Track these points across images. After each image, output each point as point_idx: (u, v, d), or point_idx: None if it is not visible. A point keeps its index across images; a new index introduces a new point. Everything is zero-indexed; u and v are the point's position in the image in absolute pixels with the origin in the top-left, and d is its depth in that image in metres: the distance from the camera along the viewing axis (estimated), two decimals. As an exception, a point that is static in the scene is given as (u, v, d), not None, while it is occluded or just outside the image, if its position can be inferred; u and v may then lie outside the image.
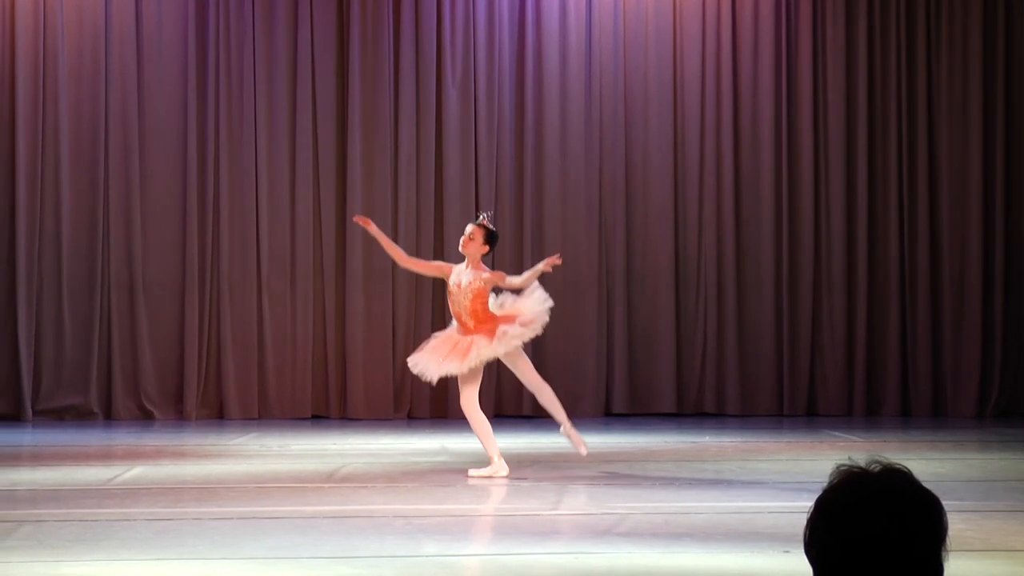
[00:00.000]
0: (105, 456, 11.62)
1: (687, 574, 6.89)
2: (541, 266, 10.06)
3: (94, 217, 13.81)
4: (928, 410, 14.39)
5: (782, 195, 14.40)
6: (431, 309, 14.09)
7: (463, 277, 9.92)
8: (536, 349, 14.10)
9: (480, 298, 9.89)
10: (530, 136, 14.22)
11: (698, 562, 7.13)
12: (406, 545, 7.59)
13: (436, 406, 14.03)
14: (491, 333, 9.86)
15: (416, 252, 14.05)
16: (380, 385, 14.03)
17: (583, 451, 10.11)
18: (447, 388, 13.92)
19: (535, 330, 9.98)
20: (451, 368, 9.87)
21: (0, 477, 10.18)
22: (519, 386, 14.13)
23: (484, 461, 10.12)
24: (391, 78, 14.05)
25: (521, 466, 10.57)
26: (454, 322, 10.00)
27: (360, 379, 13.91)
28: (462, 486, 9.65)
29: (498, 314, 9.94)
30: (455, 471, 10.35)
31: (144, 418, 13.77)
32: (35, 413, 13.70)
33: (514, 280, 10.09)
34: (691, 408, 14.30)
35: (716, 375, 14.35)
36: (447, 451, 11.63)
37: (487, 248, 10.01)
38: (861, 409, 14.36)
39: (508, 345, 9.87)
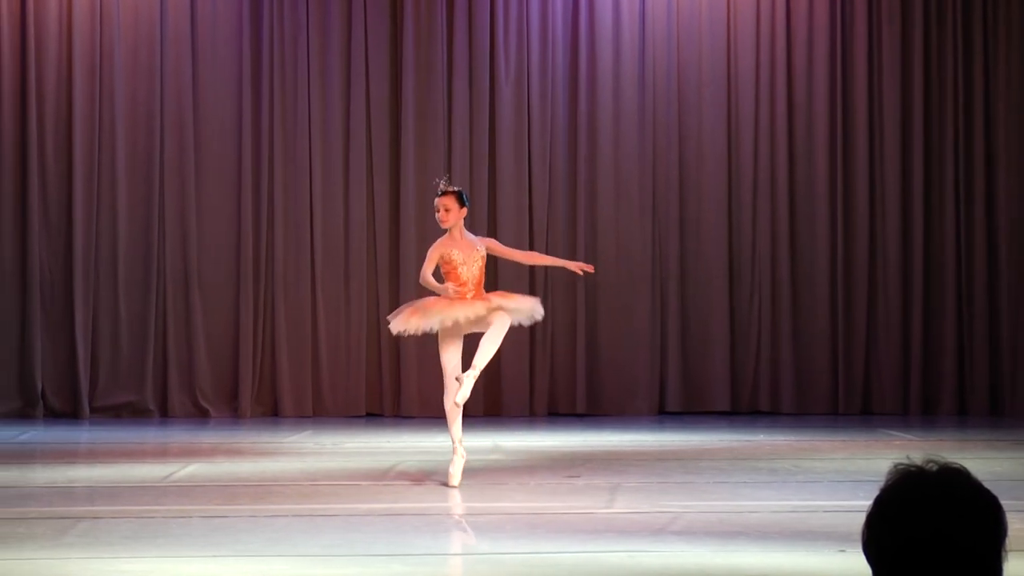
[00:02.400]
0: (161, 453, 11.70)
1: (741, 573, 6.87)
2: (571, 264, 9.89)
3: (150, 215, 13.87)
4: (985, 409, 14.29)
5: (836, 192, 14.32)
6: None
7: (464, 247, 9.54)
8: (589, 347, 14.12)
9: (483, 265, 9.63)
10: (583, 134, 14.20)
11: (752, 561, 7.12)
12: (459, 543, 7.64)
13: (489, 404, 14.01)
14: (500, 295, 9.67)
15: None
16: (434, 383, 13.90)
17: (459, 399, 9.55)
18: (500, 386, 13.99)
19: (531, 316, 9.66)
20: (465, 311, 9.37)
21: (58, 474, 10.23)
22: (572, 384, 14.16)
23: (526, 460, 10.08)
24: (444, 76, 14.05)
25: (574, 464, 10.54)
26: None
27: (414, 377, 13.91)
28: (516, 484, 9.65)
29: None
30: (508, 469, 10.36)
31: (199, 415, 13.80)
32: (92, 410, 13.75)
33: (513, 252, 9.96)
34: (745, 406, 14.22)
35: (770, 373, 14.27)
36: (500, 449, 11.61)
37: (465, 209, 9.55)
38: (917, 408, 14.26)
39: (529, 304, 9.61)
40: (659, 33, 14.24)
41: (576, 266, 9.84)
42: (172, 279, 13.85)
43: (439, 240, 9.65)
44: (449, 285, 9.48)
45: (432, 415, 13.94)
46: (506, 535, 7.78)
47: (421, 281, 9.64)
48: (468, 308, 9.36)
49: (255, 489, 9.27)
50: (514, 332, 14.08)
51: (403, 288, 13.90)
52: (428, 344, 14.18)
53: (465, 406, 14.17)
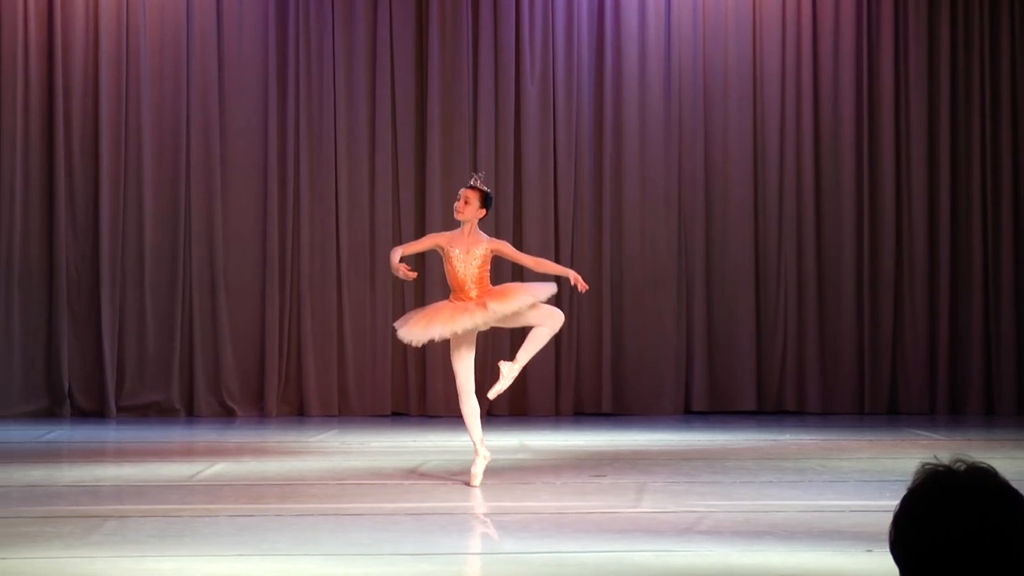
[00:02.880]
0: (187, 452, 11.68)
1: (768, 573, 6.85)
2: (570, 273, 9.64)
3: (176, 215, 13.88)
4: (1013, 408, 14.22)
5: (863, 191, 14.28)
6: (510, 306, 14.04)
7: (468, 243, 9.37)
8: (614, 346, 14.10)
9: (486, 265, 9.38)
10: (609, 132, 14.18)
11: (779, 561, 7.09)
12: (485, 542, 7.61)
13: (515, 403, 14.00)
14: (501, 294, 9.38)
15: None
16: None
17: (492, 393, 9.57)
18: (526, 385, 13.95)
19: (545, 295, 9.45)
20: (463, 323, 9.17)
21: (85, 473, 10.25)
22: (598, 383, 14.13)
23: (552, 459, 10.06)
24: (470, 75, 14.04)
25: (601, 463, 10.52)
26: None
27: (440, 376, 13.87)
28: (542, 483, 9.62)
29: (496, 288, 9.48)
30: (534, 468, 10.33)
31: (225, 415, 13.80)
32: (119, 410, 13.77)
33: (524, 256, 9.77)
34: (771, 406, 14.18)
35: (797, 372, 14.23)
36: (527, 448, 11.59)
37: (484, 211, 9.41)
38: (944, 407, 14.20)
39: (529, 298, 9.35)
40: (685, 30, 14.20)
41: (575, 278, 9.58)
42: (198, 279, 13.86)
43: (447, 231, 9.67)
44: (400, 267, 9.38)
45: (458, 414, 13.92)
46: (532, 534, 7.76)
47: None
48: (467, 319, 9.23)
49: (281, 488, 9.26)
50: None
51: (428, 287, 13.89)
52: (454, 343, 14.22)
53: (490, 405, 14.25)
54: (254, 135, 13.93)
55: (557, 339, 13.87)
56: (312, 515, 8.32)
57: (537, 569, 7.00)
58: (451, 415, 13.78)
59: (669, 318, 14.13)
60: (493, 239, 9.62)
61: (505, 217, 14.01)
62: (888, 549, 2.57)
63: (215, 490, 9.29)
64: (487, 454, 9.46)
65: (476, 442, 9.42)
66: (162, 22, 13.88)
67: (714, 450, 11.48)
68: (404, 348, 14.00)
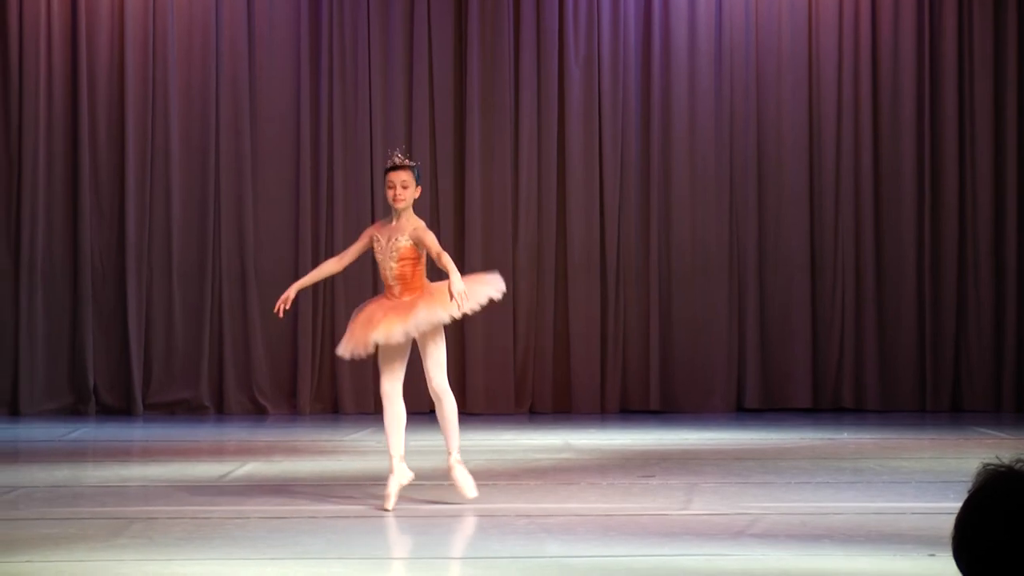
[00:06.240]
0: (217, 451, 11.66)
1: None
2: (454, 287, 8.12)
3: (204, 206, 13.80)
4: (1082, 405, 14.04)
5: (924, 177, 14.07)
6: (554, 299, 13.90)
7: (391, 231, 8.43)
8: (663, 341, 13.94)
9: (411, 259, 8.41)
10: (657, 116, 14.02)
11: (837, 565, 7.05)
12: (528, 545, 7.49)
13: (559, 400, 13.88)
14: (434, 296, 8.34)
15: (537, 241, 13.90)
16: (501, 379, 13.89)
17: (467, 494, 8.45)
18: (570, 382, 13.81)
19: (489, 294, 8.52)
20: (394, 333, 8.27)
21: (111, 472, 10.21)
22: (645, 380, 13.97)
23: (598, 459, 9.87)
24: (511, 57, 13.89)
25: (648, 464, 10.44)
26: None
27: (480, 372, 13.78)
28: (587, 484, 9.51)
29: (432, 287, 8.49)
30: (579, 469, 10.23)
31: (256, 412, 13.72)
32: (146, 407, 13.70)
33: (435, 251, 8.37)
34: (828, 403, 14.01)
35: (854, 368, 14.04)
36: (571, 447, 11.47)
37: (420, 189, 8.46)
38: (1011, 404, 13.99)
39: (461, 306, 8.25)
40: (736, 11, 14.06)
41: (454, 290, 8.15)
42: (228, 272, 13.78)
43: (379, 221, 8.77)
44: (296, 285, 8.72)
45: (497, 412, 13.86)
46: (577, 537, 7.69)
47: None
48: (381, 331, 8.32)
49: (314, 489, 9.16)
50: (584, 325, 14.08)
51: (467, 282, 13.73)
52: (495, 338, 14.04)
53: (533, 402, 14.10)
54: (286, 121, 13.86)
55: (603, 333, 13.78)
56: (346, 517, 8.28)
57: (582, 574, 6.95)
58: (491, 412, 13.70)
59: (720, 311, 13.98)
60: (422, 229, 8.44)
61: (548, 207, 13.88)
62: (951, 553, 2.55)
63: (246, 491, 9.24)
64: (406, 474, 8.48)
65: (394, 456, 8.43)
66: (190, 3, 13.80)
67: (768, 449, 11.42)
68: (443, 343, 13.86)
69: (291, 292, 8.65)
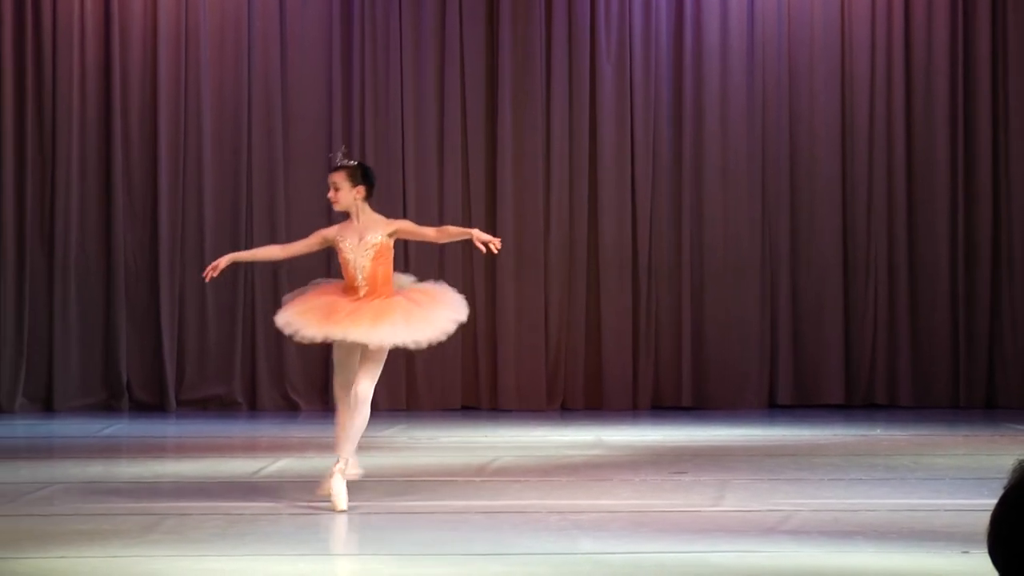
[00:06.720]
0: (250, 448, 11.68)
1: (858, 575, 6.79)
2: (471, 232, 8.23)
3: (237, 202, 13.81)
4: (1119, 400, 13.96)
5: (958, 171, 13.98)
6: (585, 295, 13.88)
7: (360, 230, 8.28)
8: (695, 337, 13.90)
9: (383, 258, 8.28)
10: (689, 112, 13.98)
11: (870, 562, 7.02)
12: (561, 542, 7.47)
13: (591, 397, 13.85)
14: (404, 313, 8.18)
15: (569, 237, 13.88)
16: (532, 375, 13.88)
17: (339, 505, 8.12)
18: (602, 378, 13.79)
19: (455, 319, 8.37)
20: (354, 338, 8.11)
21: (144, 469, 10.22)
22: (677, 376, 13.93)
23: (630, 456, 9.86)
24: (543, 53, 13.87)
25: (680, 460, 10.42)
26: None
27: (512, 369, 13.77)
28: (619, 481, 9.49)
29: (399, 290, 8.29)
30: (611, 465, 10.22)
31: (289, 409, 13.73)
32: (178, 404, 13.71)
33: (426, 230, 8.46)
34: (861, 399, 13.94)
35: (887, 364, 13.97)
36: (603, 444, 11.45)
37: (364, 189, 8.27)
38: (1047, 400, 14.00)
39: (424, 335, 8.20)
40: (769, 4, 13.97)
41: (479, 239, 8.17)
42: (260, 268, 13.78)
43: (336, 225, 8.59)
44: (232, 255, 8.67)
45: (531, 408, 13.85)
46: (609, 534, 7.68)
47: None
48: (339, 329, 8.16)
49: (347, 485, 8.97)
50: (616, 321, 14.07)
51: (499, 277, 13.76)
52: (526, 334, 14.04)
53: (564, 399, 14.10)
54: (318, 119, 13.86)
55: (634, 329, 13.77)
56: (379, 513, 8.28)
57: (615, 570, 6.94)
58: (524, 409, 13.68)
59: (752, 307, 13.94)
60: (392, 221, 8.45)
61: (580, 204, 13.89)
62: (986, 550, 2.55)
63: (278, 487, 9.22)
64: (357, 469, 8.37)
65: (341, 457, 8.29)
66: (222, 2, 13.80)
67: (800, 446, 11.41)
68: (475, 339, 13.91)
69: (223, 261, 8.52)
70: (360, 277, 8.27)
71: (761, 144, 13.97)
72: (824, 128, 14.00)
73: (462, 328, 13.73)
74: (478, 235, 8.18)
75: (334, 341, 8.31)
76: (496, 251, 8.28)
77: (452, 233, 8.43)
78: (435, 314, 8.37)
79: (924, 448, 11.23)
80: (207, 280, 8.73)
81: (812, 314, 13.98)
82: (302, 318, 8.27)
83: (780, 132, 13.98)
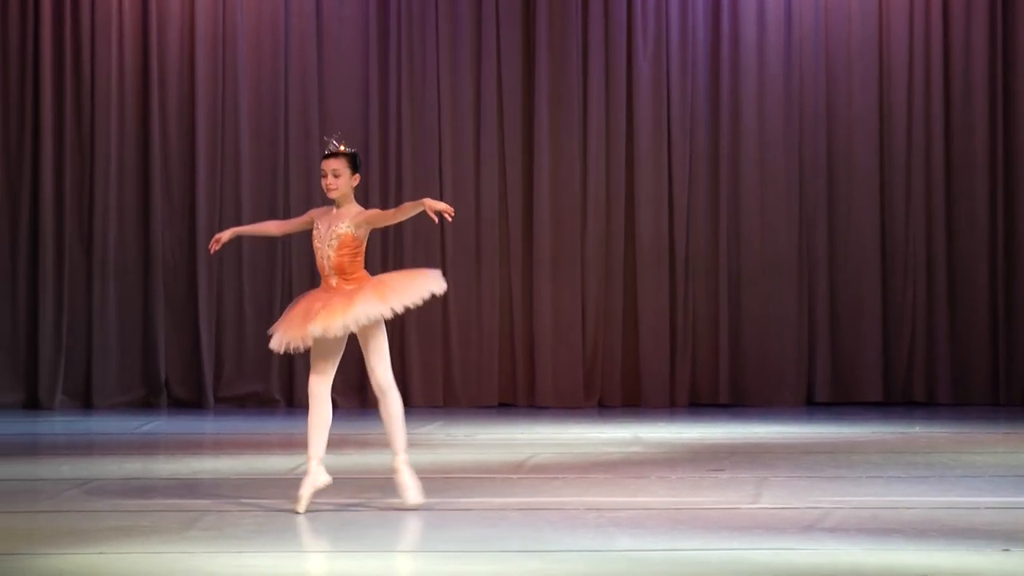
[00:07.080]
0: (287, 444, 11.58)
1: (897, 573, 6.71)
2: (426, 202, 8.00)
3: (274, 199, 13.82)
4: None
5: (997, 166, 13.89)
6: (623, 292, 13.85)
7: (330, 219, 8.18)
8: (732, 334, 13.87)
9: (349, 249, 8.15)
10: (726, 110, 13.93)
11: (909, 560, 6.96)
12: (598, 539, 7.46)
13: (628, 394, 13.83)
14: (374, 289, 8.12)
15: (606, 234, 13.86)
16: (569, 372, 13.85)
17: (410, 499, 8.18)
18: (639, 376, 13.76)
19: (431, 289, 8.26)
20: (333, 326, 8.07)
21: (182, 465, 10.26)
22: (714, 373, 13.90)
23: (667, 453, 9.86)
24: (579, 52, 13.84)
25: (718, 457, 10.41)
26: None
27: (548, 366, 13.75)
28: (656, 478, 9.48)
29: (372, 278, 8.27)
30: (649, 463, 10.21)
31: None
32: (216, 400, 13.75)
33: (387, 214, 8.35)
34: (899, 396, 13.88)
35: (926, 361, 13.90)
36: (640, 441, 11.43)
37: (358, 177, 8.24)
38: (1089, 397, 13.90)
39: (399, 300, 8.08)
40: (806, 1, 13.90)
41: (431, 207, 7.99)
42: (298, 265, 13.83)
43: (323, 207, 8.45)
44: (235, 229, 8.56)
45: (568, 406, 13.83)
46: (647, 531, 7.66)
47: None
48: (317, 325, 8.09)
49: (384, 482, 9.00)
50: (653, 318, 14.03)
51: (536, 274, 13.76)
52: (563, 331, 14.01)
53: (602, 396, 14.08)
54: (355, 119, 13.87)
55: (672, 326, 13.73)
56: (416, 510, 8.23)
57: (652, 568, 6.89)
58: (561, 407, 13.67)
59: (790, 304, 13.89)
60: (362, 211, 8.25)
61: (616, 201, 13.87)
62: None
63: None
64: (322, 477, 8.21)
65: (312, 459, 8.22)
66: (259, 2, 13.83)
67: (838, 443, 11.35)
68: (512, 336, 13.93)
69: (225, 235, 8.45)
70: (327, 267, 8.20)
71: (798, 140, 13.91)
72: (862, 123, 13.93)
73: (499, 325, 13.95)
74: (430, 204, 8.02)
75: (314, 337, 8.20)
76: (449, 220, 8.12)
77: (406, 209, 8.24)
78: (407, 285, 8.27)
79: (963, 445, 11.18)
80: (211, 253, 8.68)
81: (850, 310, 13.91)
82: (287, 334, 8.25)
83: (817, 128, 13.92)
